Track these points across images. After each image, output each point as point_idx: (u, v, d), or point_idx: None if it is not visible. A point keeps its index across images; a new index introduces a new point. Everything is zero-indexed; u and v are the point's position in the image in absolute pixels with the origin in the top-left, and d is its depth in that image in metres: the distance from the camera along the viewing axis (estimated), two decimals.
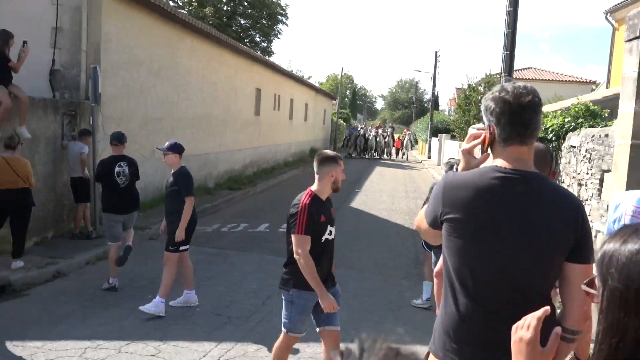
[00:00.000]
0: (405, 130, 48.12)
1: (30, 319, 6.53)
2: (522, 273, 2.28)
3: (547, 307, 2.19)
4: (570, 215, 2.27)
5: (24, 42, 9.14)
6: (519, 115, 2.26)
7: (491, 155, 2.43)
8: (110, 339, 6.00)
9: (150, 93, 13.51)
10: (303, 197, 4.41)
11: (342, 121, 47.29)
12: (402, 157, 42.51)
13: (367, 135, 40.52)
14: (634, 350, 1.17)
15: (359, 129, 44.38)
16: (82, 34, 10.56)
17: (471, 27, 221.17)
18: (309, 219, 4.29)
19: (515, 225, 2.25)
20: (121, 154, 8.02)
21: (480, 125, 2.63)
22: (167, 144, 7.34)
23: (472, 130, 2.55)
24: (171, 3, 28.85)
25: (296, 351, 5.73)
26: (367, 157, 39.70)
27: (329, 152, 4.74)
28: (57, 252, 9.12)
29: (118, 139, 8.05)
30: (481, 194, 2.27)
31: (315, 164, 4.54)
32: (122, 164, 7.89)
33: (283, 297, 4.61)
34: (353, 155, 39.56)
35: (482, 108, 2.43)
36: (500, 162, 2.32)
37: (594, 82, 37.11)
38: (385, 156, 41.44)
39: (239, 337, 6.25)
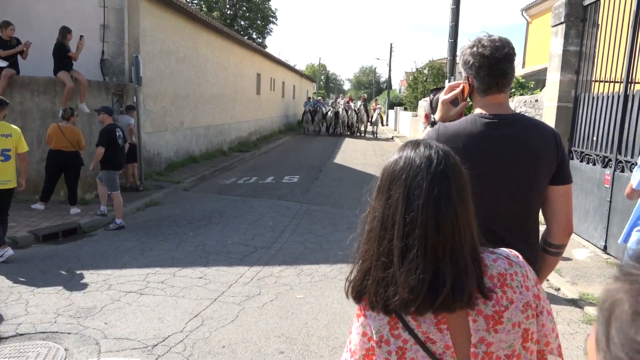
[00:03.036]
0: (374, 103, 32.42)
1: (99, 253, 6.26)
2: (520, 203, 2.06)
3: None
4: (552, 146, 2.03)
5: (81, 36, 8.77)
6: (497, 67, 1.96)
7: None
8: (165, 267, 5.77)
9: (178, 76, 13.00)
10: None
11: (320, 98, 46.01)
12: (373, 134, 29.03)
13: (338, 109, 27.98)
14: None
15: (327, 103, 32.87)
16: (124, 30, 10.02)
17: (417, 25, 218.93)
18: None
19: (509, 163, 2.00)
20: (114, 123, 7.73)
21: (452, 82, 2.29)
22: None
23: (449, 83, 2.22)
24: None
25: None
26: (335, 133, 27.85)
27: None
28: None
29: (110, 111, 7.72)
30: (474, 140, 1.98)
31: None
32: (118, 130, 7.60)
33: None
34: (317, 130, 28.81)
35: (461, 62, 2.09)
36: (483, 110, 2.03)
37: None
38: (357, 133, 28.87)
39: (265, 261, 6.05)
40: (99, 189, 7.85)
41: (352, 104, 28.81)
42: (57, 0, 9.84)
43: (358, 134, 28.29)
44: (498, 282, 1.14)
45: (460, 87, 2.13)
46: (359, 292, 1.17)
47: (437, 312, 1.09)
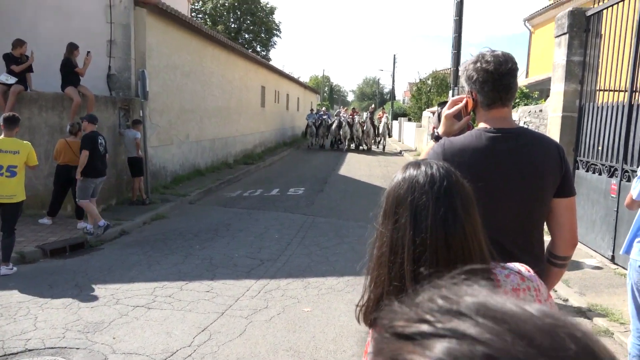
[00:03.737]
0: (380, 112, 29.47)
1: (107, 267, 6.28)
2: (525, 216, 2.06)
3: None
4: (556, 159, 2.04)
5: (88, 52, 8.89)
6: (500, 82, 1.98)
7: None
8: (172, 280, 5.78)
9: (184, 90, 13.10)
10: None
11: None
12: (379, 147, 26.20)
13: (342, 121, 25.10)
14: None
15: (329, 114, 28.96)
16: (130, 45, 10.13)
17: (419, 36, 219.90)
18: None
19: (514, 177, 2.01)
20: (97, 131, 7.72)
21: (454, 97, 2.31)
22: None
23: (452, 97, 2.25)
24: None
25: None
26: (339, 147, 25.25)
27: None
28: (120, 215, 8.84)
29: (95, 119, 7.75)
30: (480, 154, 1.99)
31: None
32: (101, 138, 7.64)
33: None
34: (317, 144, 26.30)
35: (464, 77, 2.11)
36: (487, 124, 2.04)
37: None
38: (363, 146, 25.46)
39: (272, 274, 6.05)
40: (89, 206, 7.59)
41: (357, 117, 25.28)
42: (64, 17, 9.97)
43: (362, 148, 25.36)
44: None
45: (464, 101, 2.15)
46: (375, 318, 1.17)
47: None
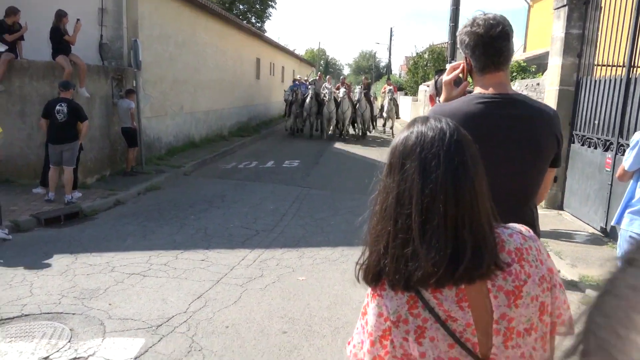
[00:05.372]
0: (385, 85, 21.99)
1: (102, 236, 6.30)
2: (519, 183, 2.04)
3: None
4: (554, 128, 2.02)
5: (78, 19, 8.70)
6: (491, 45, 1.94)
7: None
8: (167, 249, 5.81)
9: (177, 61, 12.94)
10: None
11: None
12: (385, 129, 20.45)
13: (322, 95, 17.89)
14: None
15: (306, 85, 19.87)
16: (122, 13, 9.95)
17: (417, 10, 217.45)
18: None
19: (508, 143, 1.97)
20: (65, 97, 7.53)
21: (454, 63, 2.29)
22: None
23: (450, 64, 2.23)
24: None
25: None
26: (322, 133, 18.31)
27: None
28: (115, 185, 8.83)
29: (63, 85, 7.63)
30: (471, 119, 1.92)
31: None
32: (62, 104, 7.43)
33: None
34: (299, 128, 19.18)
35: (458, 42, 2.08)
36: (482, 89, 2.01)
37: None
38: (353, 130, 19.02)
39: (267, 244, 6.09)
40: (50, 172, 7.62)
41: (341, 90, 17.70)
42: None
43: (353, 135, 18.59)
44: (515, 257, 1.15)
45: (460, 67, 2.14)
46: (376, 273, 1.15)
47: (457, 283, 1.09)
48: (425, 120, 1.20)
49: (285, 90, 19.68)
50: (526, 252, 1.17)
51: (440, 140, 1.12)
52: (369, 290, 1.20)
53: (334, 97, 17.55)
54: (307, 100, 18.09)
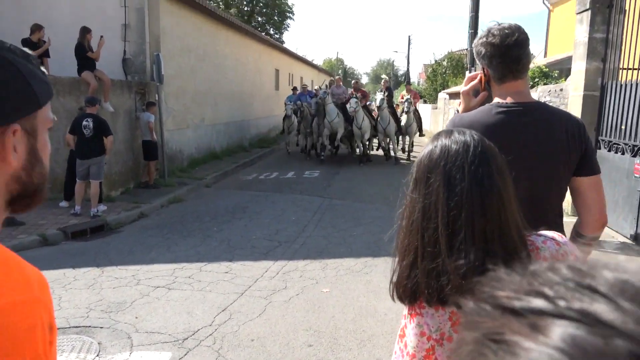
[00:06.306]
0: (402, 92, 16.79)
1: (127, 248, 6.37)
2: (540, 193, 1.99)
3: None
4: (575, 135, 1.97)
5: (101, 36, 8.89)
6: (508, 54, 1.94)
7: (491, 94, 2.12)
8: (191, 261, 5.84)
9: (198, 73, 13.12)
10: None
11: None
12: (402, 149, 15.56)
13: (325, 104, 13.34)
14: None
15: (312, 94, 16.23)
16: (145, 29, 10.16)
17: (435, 16, 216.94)
18: None
19: (528, 152, 1.94)
20: (90, 113, 7.64)
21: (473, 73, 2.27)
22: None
23: (468, 74, 2.22)
24: None
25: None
26: (318, 154, 14.54)
27: None
28: (139, 198, 8.95)
29: (89, 101, 7.77)
30: (491, 130, 1.90)
31: None
32: (88, 120, 7.54)
33: None
34: (306, 148, 15.64)
35: (474, 53, 2.09)
36: (501, 99, 2.00)
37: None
38: (374, 150, 15.43)
39: (289, 256, 6.09)
40: (76, 186, 7.78)
41: (353, 100, 13.09)
42: (78, 1, 10.00)
43: (365, 156, 14.18)
44: None
45: (478, 77, 2.13)
46: (413, 291, 1.13)
47: None
48: (449, 133, 1.20)
49: (286, 103, 15.44)
50: (562, 257, 1.15)
51: (465, 152, 1.12)
52: (405, 311, 1.18)
53: (340, 103, 14.04)
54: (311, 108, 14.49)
